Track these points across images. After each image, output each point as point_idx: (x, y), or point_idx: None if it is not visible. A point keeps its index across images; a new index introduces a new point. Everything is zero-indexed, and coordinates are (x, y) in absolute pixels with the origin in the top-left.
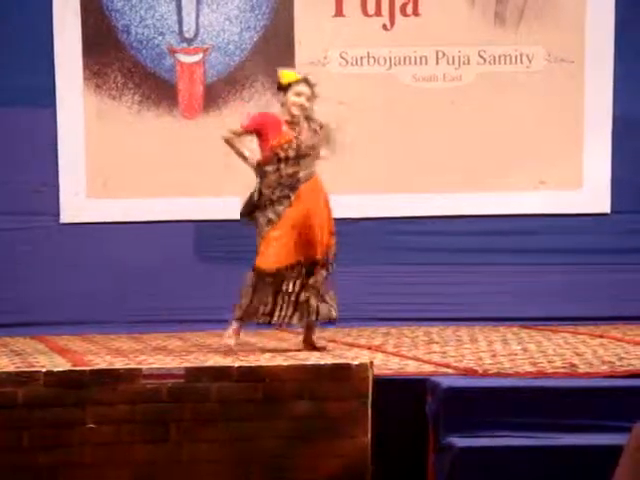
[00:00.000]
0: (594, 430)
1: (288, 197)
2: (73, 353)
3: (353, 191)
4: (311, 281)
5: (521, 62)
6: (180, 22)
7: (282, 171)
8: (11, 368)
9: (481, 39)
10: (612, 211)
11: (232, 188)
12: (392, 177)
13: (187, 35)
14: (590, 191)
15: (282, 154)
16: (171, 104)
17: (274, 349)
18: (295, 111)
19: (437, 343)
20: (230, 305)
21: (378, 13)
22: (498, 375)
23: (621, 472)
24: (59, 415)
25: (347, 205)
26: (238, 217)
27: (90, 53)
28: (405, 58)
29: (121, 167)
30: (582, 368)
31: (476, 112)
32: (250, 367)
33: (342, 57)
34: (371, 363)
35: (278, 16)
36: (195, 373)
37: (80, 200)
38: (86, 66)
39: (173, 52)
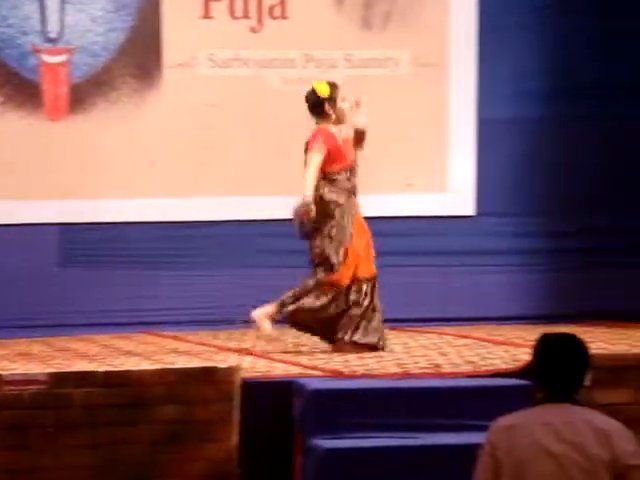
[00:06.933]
0: (458, 429)
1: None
2: None
3: (212, 193)
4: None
5: (387, 66)
6: (44, 22)
7: (353, 181)
8: None
9: (348, 43)
10: (477, 213)
11: (97, 190)
12: (259, 179)
13: (51, 35)
14: (455, 193)
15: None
16: (35, 105)
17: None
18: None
19: (305, 345)
20: (95, 309)
21: (246, 15)
22: (364, 376)
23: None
24: None
25: (204, 208)
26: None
27: None
28: (273, 61)
29: None
30: (446, 368)
31: None
32: (116, 372)
33: (210, 59)
34: (239, 366)
35: (145, 17)
36: (59, 379)
37: None
38: None
39: (37, 52)
